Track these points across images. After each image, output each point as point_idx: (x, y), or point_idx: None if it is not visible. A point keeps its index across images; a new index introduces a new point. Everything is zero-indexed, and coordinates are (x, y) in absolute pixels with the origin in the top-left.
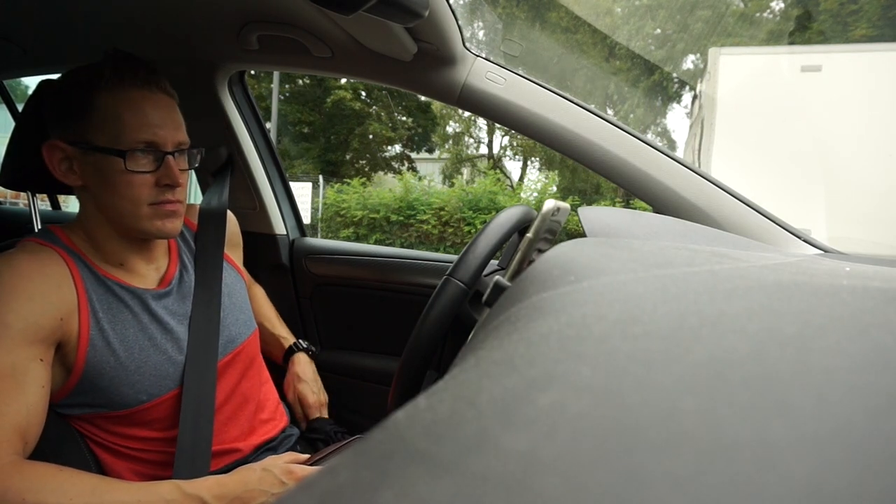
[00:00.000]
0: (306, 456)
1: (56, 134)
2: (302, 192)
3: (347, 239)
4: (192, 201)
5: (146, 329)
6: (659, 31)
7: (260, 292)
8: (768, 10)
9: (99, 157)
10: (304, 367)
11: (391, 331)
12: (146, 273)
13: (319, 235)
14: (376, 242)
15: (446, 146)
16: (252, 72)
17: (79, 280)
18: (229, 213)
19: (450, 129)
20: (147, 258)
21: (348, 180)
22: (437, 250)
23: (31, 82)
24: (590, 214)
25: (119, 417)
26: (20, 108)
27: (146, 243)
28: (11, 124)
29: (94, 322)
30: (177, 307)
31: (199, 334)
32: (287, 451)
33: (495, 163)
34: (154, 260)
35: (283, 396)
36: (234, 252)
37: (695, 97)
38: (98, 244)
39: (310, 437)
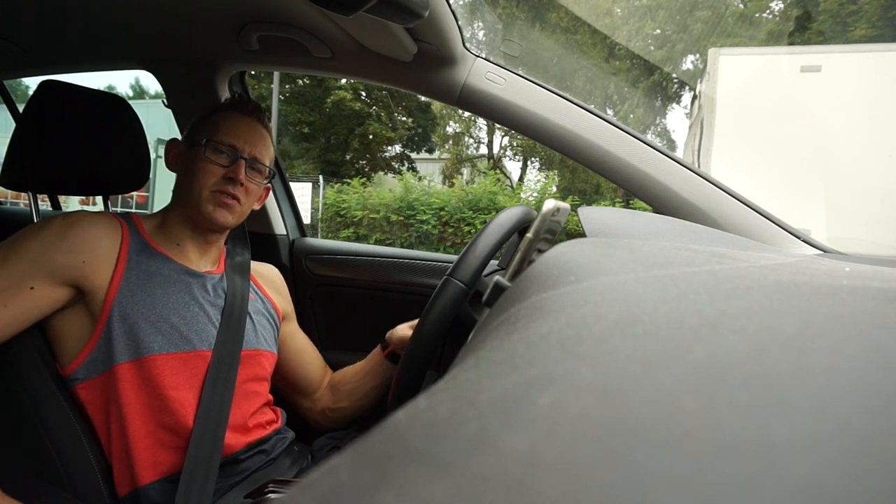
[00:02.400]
0: None
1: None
2: (302, 192)
3: (347, 239)
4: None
5: (174, 292)
6: (658, 31)
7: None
8: (768, 11)
9: (194, 149)
10: None
11: None
12: (194, 260)
13: (319, 236)
14: (376, 242)
15: (446, 146)
16: (252, 72)
17: (125, 242)
18: (273, 268)
19: (450, 130)
20: (201, 249)
21: (348, 180)
22: (437, 250)
23: (32, 82)
24: (590, 214)
25: (132, 369)
26: (20, 108)
27: (204, 236)
28: (12, 124)
29: (126, 274)
30: (208, 289)
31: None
32: (281, 452)
33: (495, 163)
34: (206, 254)
35: (280, 403)
36: (276, 295)
37: (694, 97)
38: (166, 224)
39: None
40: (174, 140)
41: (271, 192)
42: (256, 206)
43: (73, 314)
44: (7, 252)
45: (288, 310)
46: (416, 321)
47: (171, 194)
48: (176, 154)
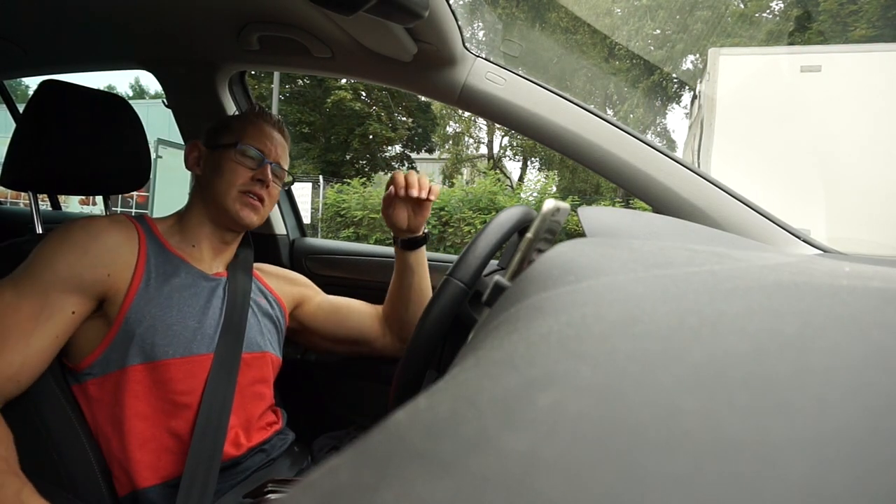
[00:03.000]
0: None
1: (201, 141)
2: (302, 192)
3: (347, 239)
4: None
5: (190, 296)
6: (658, 31)
7: (355, 303)
8: (768, 11)
9: (220, 152)
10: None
11: None
12: (208, 261)
13: (320, 235)
14: (376, 242)
15: (446, 146)
16: (252, 72)
17: (143, 248)
18: (286, 270)
19: (450, 130)
20: (216, 250)
21: (348, 180)
22: (437, 250)
23: (32, 82)
24: (589, 214)
25: (144, 371)
26: (21, 108)
27: (223, 236)
28: (12, 124)
29: (144, 279)
30: (218, 292)
31: (231, 318)
32: (281, 454)
33: (495, 163)
34: (220, 256)
35: (282, 404)
36: (283, 285)
37: (694, 97)
38: (184, 225)
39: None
40: (195, 143)
41: None
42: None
43: (90, 318)
44: (37, 280)
45: (299, 293)
46: (395, 193)
47: (170, 195)
48: (197, 156)
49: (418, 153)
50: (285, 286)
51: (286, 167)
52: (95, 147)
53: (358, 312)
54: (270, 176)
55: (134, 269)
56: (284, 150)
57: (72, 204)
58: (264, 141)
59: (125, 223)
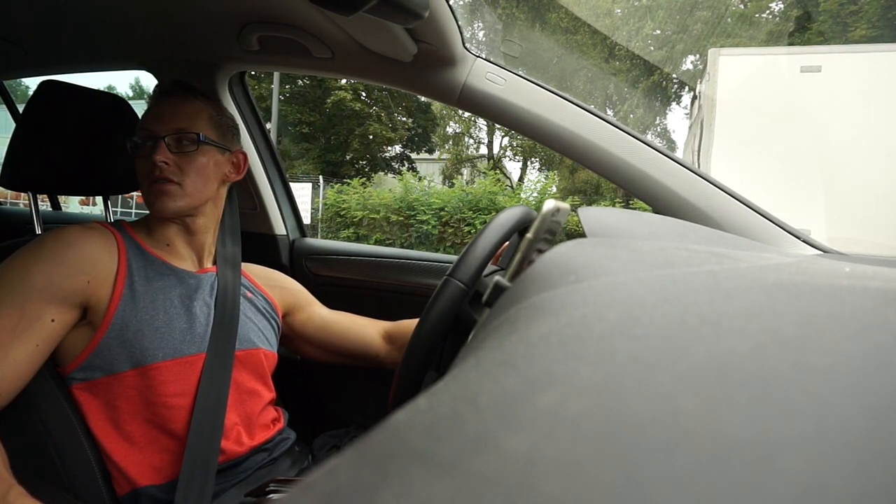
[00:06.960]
0: None
1: None
2: (302, 192)
3: (347, 239)
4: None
5: (175, 297)
6: (658, 31)
7: (346, 318)
8: (768, 11)
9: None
10: None
11: None
12: (187, 255)
13: (319, 236)
14: (376, 242)
15: (446, 146)
16: (252, 72)
17: (123, 252)
18: (270, 269)
19: (450, 130)
20: (190, 245)
21: (348, 181)
22: (437, 250)
23: (32, 82)
24: (589, 214)
25: (135, 377)
26: (20, 108)
27: (180, 230)
28: (12, 124)
29: (128, 283)
30: (205, 289)
31: (223, 316)
32: (282, 454)
33: (495, 163)
34: (197, 249)
35: (282, 404)
36: (275, 290)
37: (694, 98)
38: (151, 229)
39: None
40: None
41: (271, 193)
42: (235, 177)
43: (76, 326)
44: (14, 291)
45: (292, 300)
46: None
47: None
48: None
49: (418, 153)
50: (276, 290)
51: (197, 127)
52: (95, 147)
53: (359, 328)
54: (162, 154)
55: (115, 275)
56: (187, 109)
57: (72, 204)
58: (155, 117)
59: (101, 230)
